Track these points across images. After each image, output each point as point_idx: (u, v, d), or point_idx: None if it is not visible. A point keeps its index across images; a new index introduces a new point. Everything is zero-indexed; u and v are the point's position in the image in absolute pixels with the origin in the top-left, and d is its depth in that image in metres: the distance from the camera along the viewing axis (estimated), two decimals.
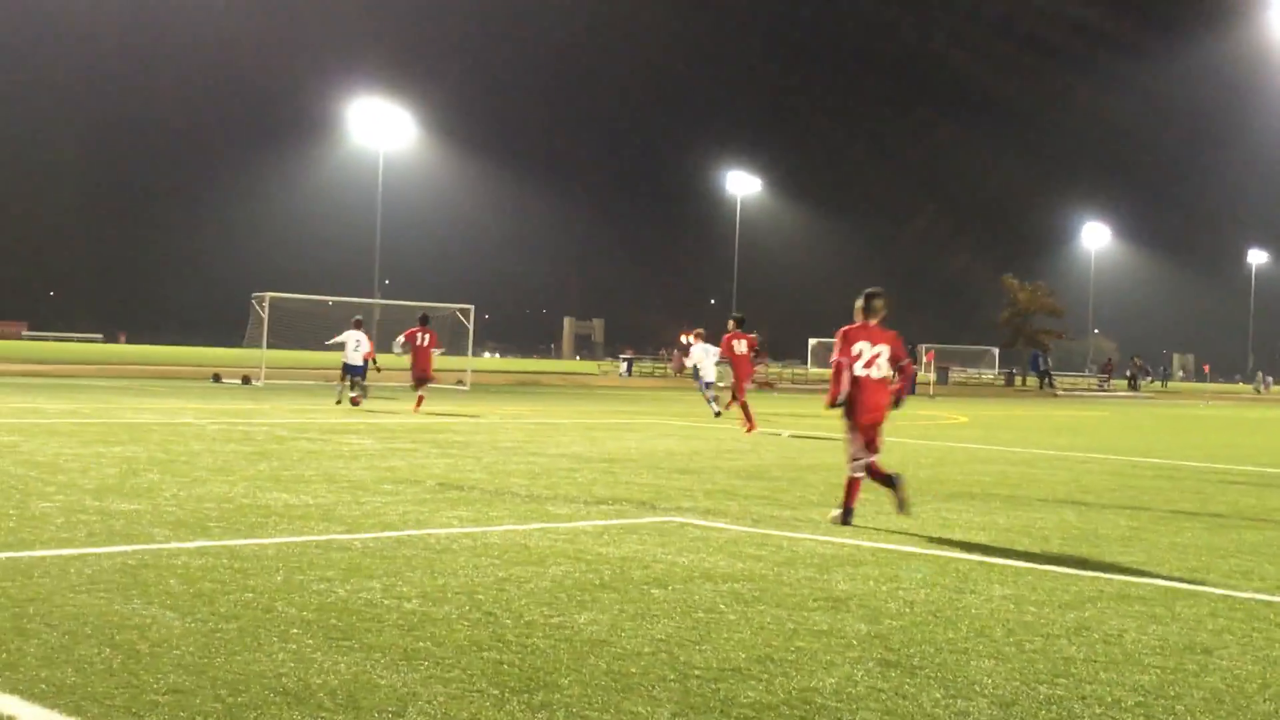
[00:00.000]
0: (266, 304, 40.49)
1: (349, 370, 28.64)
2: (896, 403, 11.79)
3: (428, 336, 28.18)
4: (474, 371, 47.05)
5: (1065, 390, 73.46)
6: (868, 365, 11.52)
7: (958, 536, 10.91)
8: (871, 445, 11.61)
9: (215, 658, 5.99)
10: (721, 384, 29.28)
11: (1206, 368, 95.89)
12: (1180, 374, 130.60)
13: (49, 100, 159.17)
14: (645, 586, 8.06)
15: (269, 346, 41.53)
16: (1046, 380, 75.55)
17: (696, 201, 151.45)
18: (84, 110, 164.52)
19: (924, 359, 73.98)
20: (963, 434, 26.88)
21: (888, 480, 11.55)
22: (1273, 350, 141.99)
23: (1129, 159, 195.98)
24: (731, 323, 25.61)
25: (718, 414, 27.78)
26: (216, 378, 40.39)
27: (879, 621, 7.30)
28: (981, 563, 9.53)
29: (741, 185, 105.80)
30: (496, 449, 17.98)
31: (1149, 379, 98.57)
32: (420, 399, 27.60)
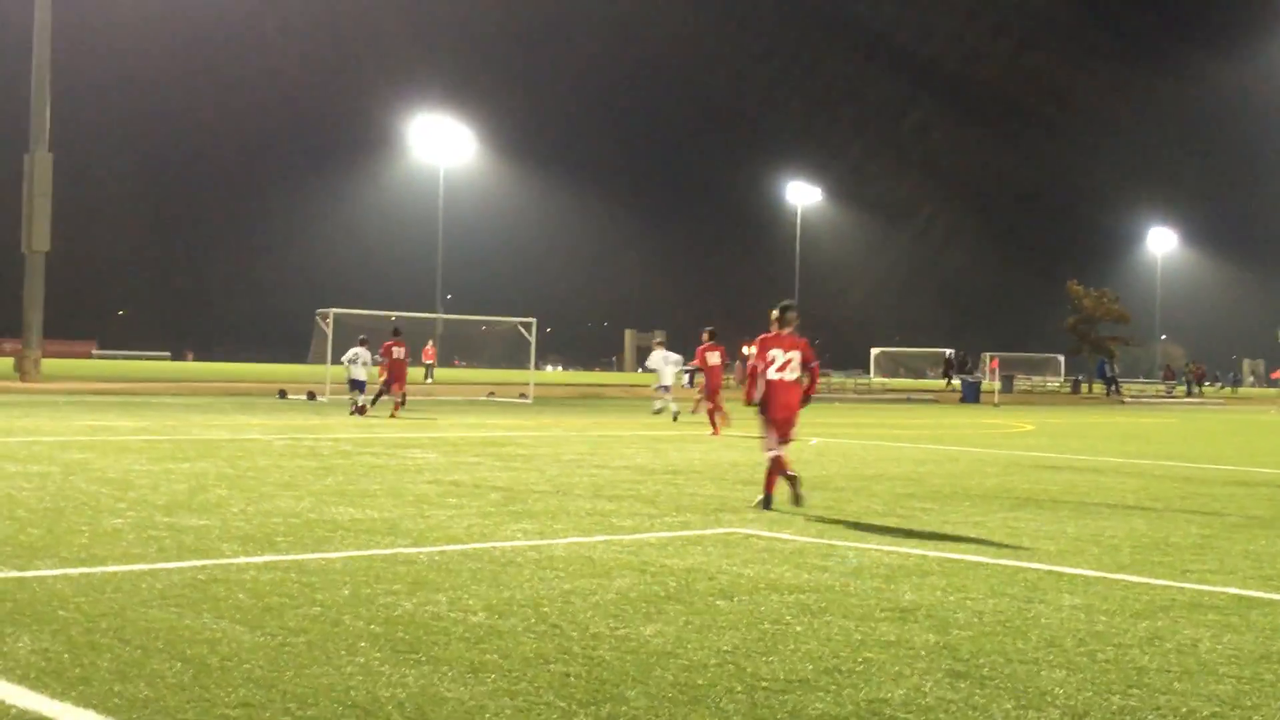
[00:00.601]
0: (330, 320, 40.82)
1: (354, 385, 31.06)
2: (805, 401, 13.35)
3: (403, 349, 31.51)
4: (537, 384, 47.23)
5: (1132, 397, 72.60)
6: (781, 369, 13.11)
7: (1026, 545, 10.79)
8: (784, 438, 13.06)
9: (284, 672, 6.03)
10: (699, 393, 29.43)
11: (1276, 374, 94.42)
12: (1250, 379, 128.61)
13: (114, 124, 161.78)
14: (711, 598, 8.04)
15: (333, 362, 41.87)
16: (1113, 387, 74.70)
17: (757, 212, 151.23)
18: (148, 133, 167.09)
19: (988, 366, 73.41)
20: (1029, 442, 26.62)
21: (789, 477, 12.99)
22: None
23: (1195, 162, 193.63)
24: (705, 335, 27.33)
25: (658, 409, 31.62)
26: (282, 394, 40.77)
27: (947, 632, 7.23)
28: (1051, 572, 9.42)
29: (802, 195, 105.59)
30: (560, 462, 18.02)
31: (1211, 384, 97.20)
32: (397, 406, 30.65)
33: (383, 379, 31.38)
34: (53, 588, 7.82)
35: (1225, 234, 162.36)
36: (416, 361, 44.13)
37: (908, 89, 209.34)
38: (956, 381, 74.80)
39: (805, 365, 13.21)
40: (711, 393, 26.55)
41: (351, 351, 31.54)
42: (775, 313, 13.29)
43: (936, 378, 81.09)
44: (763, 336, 13.29)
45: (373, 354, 31.61)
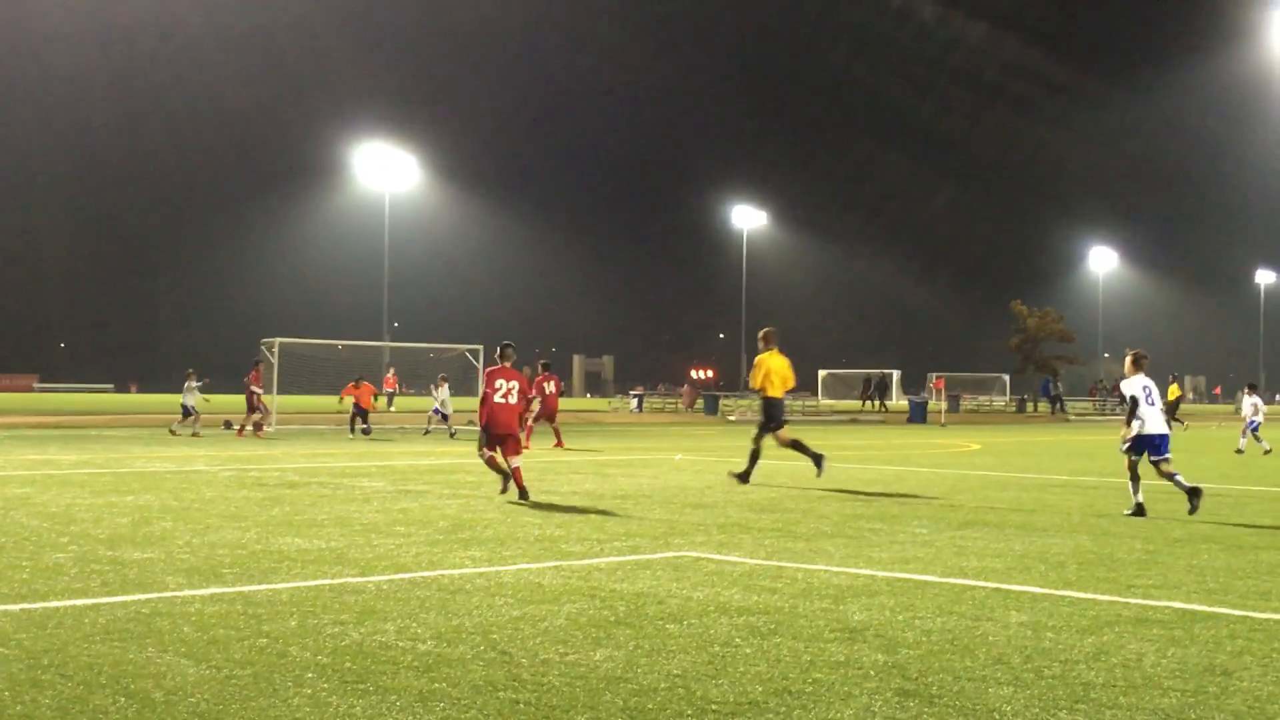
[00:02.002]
0: (276, 349, 40.51)
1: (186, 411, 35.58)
2: (521, 421, 17.41)
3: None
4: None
5: (1077, 415, 73.27)
6: (504, 395, 16.47)
7: (973, 564, 10.86)
8: (506, 450, 16.38)
9: (230, 704, 5.97)
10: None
11: (1217, 390, 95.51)
12: (1190, 395, 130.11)
13: (50, 151, 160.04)
14: (660, 622, 8.03)
15: (280, 392, 41.55)
16: (1058, 405, 75.33)
17: (703, 236, 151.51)
18: (86, 160, 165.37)
19: (934, 387, 73.87)
20: (976, 461, 26.80)
21: (507, 475, 16.34)
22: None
23: (1134, 182, 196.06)
24: (540, 366, 31.45)
25: (453, 434, 35.82)
26: (228, 424, 40.43)
27: (896, 651, 7.26)
28: (998, 589, 9.49)
29: (747, 219, 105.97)
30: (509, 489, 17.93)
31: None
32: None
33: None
34: None
35: (1164, 252, 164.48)
36: (462, 391, 45.27)
37: (850, 113, 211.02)
38: (874, 403, 75.23)
39: (523, 395, 16.90)
40: (550, 417, 30.70)
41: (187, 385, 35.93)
42: (498, 351, 17.02)
43: (855, 398, 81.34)
44: (489, 369, 16.84)
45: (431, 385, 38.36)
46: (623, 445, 32.08)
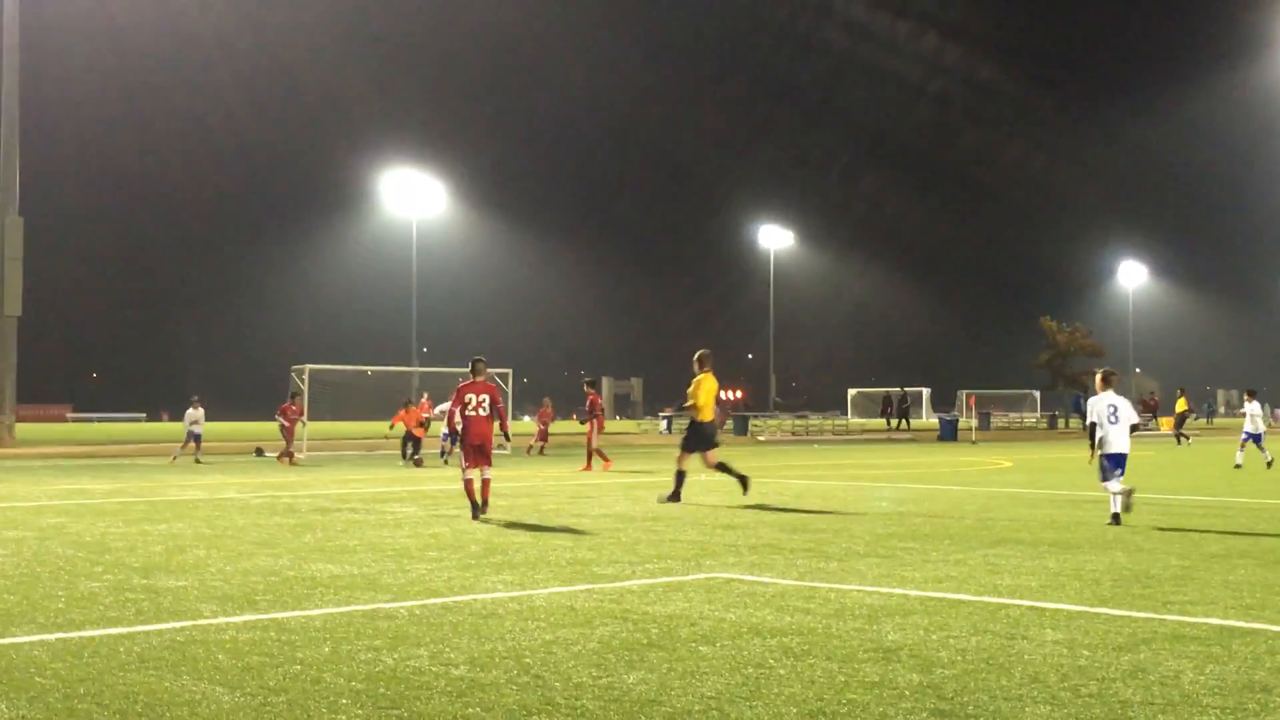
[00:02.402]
0: (306, 376, 40.69)
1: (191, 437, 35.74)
2: (503, 433, 18.33)
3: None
4: (516, 435, 47.11)
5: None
6: (475, 409, 17.23)
7: (1007, 582, 10.80)
8: (479, 461, 17.17)
9: None
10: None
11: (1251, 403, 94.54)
12: (1222, 410, 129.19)
13: (81, 185, 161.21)
14: (693, 644, 8.01)
15: (310, 419, 41.73)
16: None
17: (731, 257, 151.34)
18: (116, 194, 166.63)
19: (965, 404, 73.54)
20: (1007, 478, 26.67)
21: (476, 504, 16.92)
22: None
23: (1162, 195, 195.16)
24: (586, 385, 33.25)
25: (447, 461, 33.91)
26: (259, 451, 40.61)
27: (931, 671, 7.22)
28: (1033, 608, 9.43)
29: (774, 239, 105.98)
30: (539, 511, 17.97)
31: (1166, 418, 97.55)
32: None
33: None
34: (29, 654, 7.75)
35: (1195, 266, 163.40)
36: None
37: (876, 133, 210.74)
38: (896, 421, 74.69)
39: (494, 406, 17.32)
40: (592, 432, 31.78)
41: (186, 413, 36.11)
42: (469, 367, 17.82)
43: (876, 417, 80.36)
44: (461, 385, 17.50)
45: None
46: (653, 466, 32.03)
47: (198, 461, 34.94)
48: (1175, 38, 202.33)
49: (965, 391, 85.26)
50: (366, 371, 50.41)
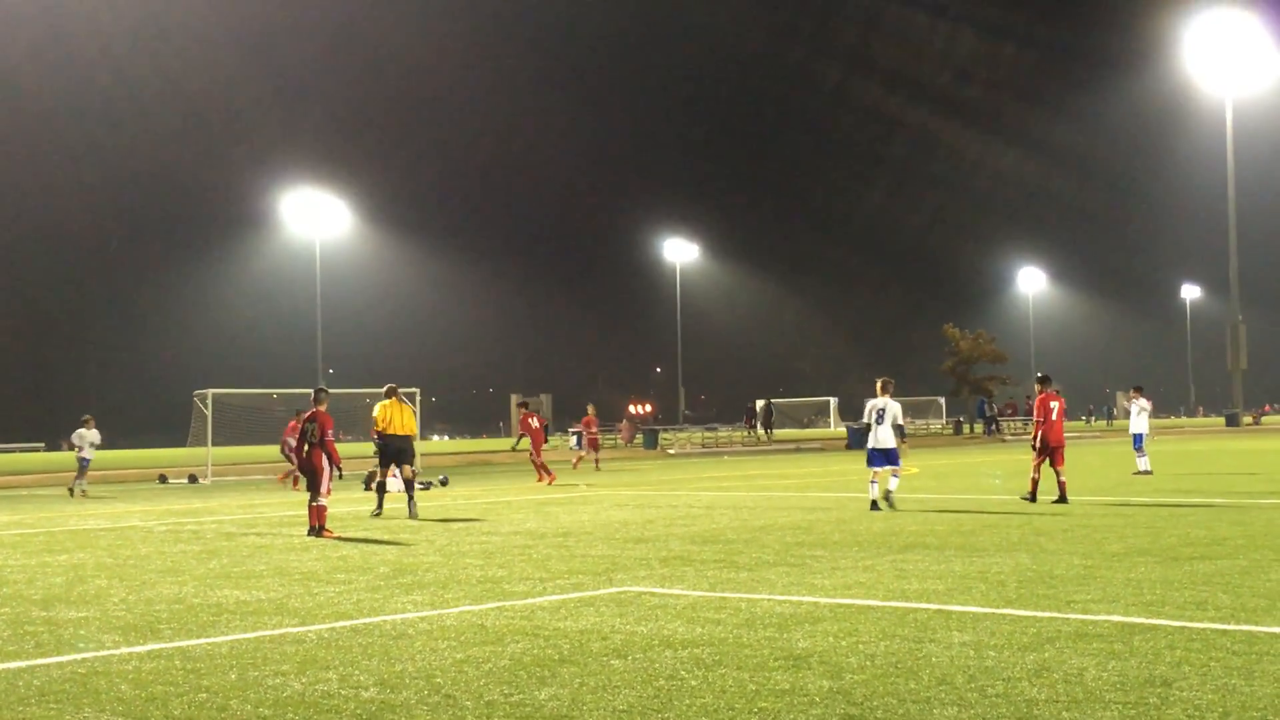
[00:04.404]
0: (210, 401, 40.09)
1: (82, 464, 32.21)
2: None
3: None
4: (424, 455, 46.79)
5: (1013, 435, 73.95)
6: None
7: (915, 586, 10.92)
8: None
9: None
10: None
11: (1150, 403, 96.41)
12: (1117, 414, 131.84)
13: None
14: (605, 658, 8.01)
15: (214, 444, 41.13)
16: (993, 426, 75.98)
17: (637, 271, 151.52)
18: (6, 214, 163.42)
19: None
20: (914, 484, 26.95)
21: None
22: (1210, 383, 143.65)
23: (1059, 202, 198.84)
24: (521, 407, 33.31)
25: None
26: (163, 478, 39.94)
27: (841, 677, 7.28)
28: (940, 611, 9.54)
29: (679, 252, 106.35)
30: (449, 530, 17.86)
31: (1086, 418, 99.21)
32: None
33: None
34: None
35: (1092, 271, 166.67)
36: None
37: (778, 144, 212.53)
38: (762, 432, 75.12)
39: (323, 435, 18.10)
40: (537, 449, 32.40)
41: (76, 433, 32.79)
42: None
43: (740, 428, 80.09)
44: (305, 414, 18.73)
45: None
46: (562, 482, 31.98)
47: (78, 492, 31.20)
48: (1072, 45, 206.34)
49: (870, 400, 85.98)
50: (272, 395, 49.74)
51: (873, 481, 19.37)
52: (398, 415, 21.59)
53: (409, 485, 21.29)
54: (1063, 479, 19.91)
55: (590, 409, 43.24)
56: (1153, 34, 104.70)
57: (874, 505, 19.13)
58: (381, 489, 21.35)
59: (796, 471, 35.58)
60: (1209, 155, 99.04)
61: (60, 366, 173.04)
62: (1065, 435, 20.41)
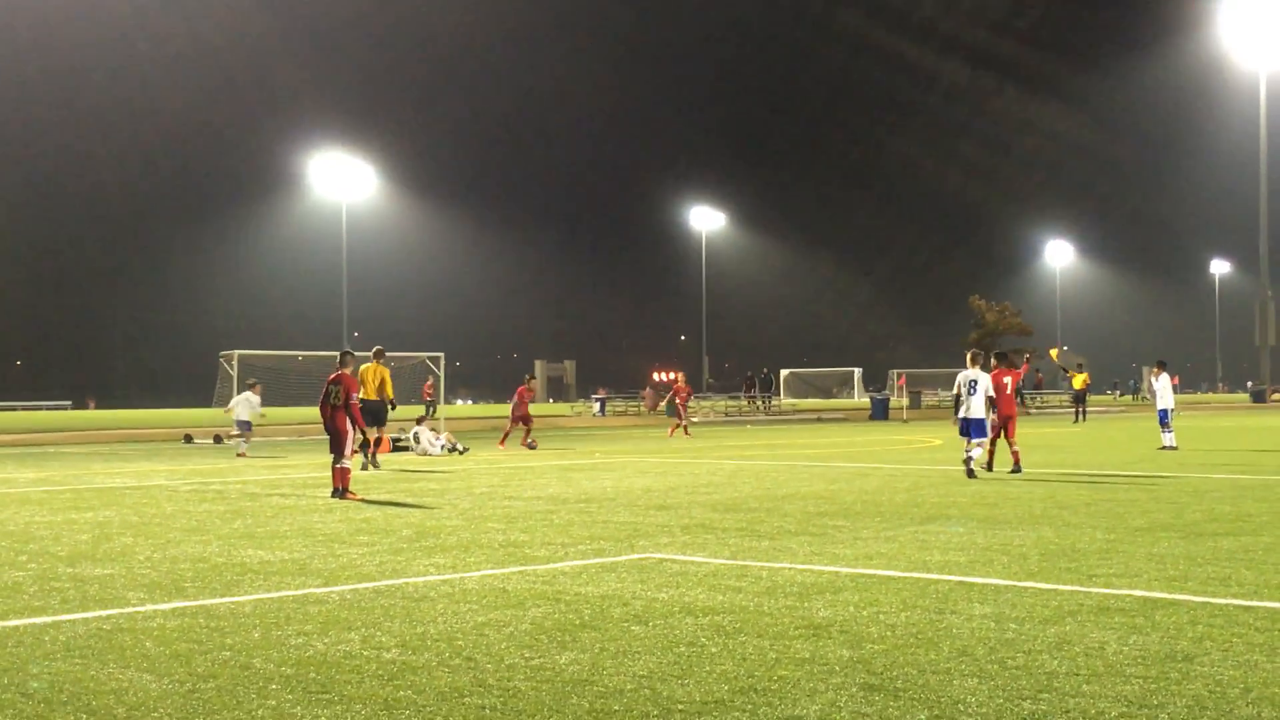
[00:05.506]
0: (235, 362, 40.23)
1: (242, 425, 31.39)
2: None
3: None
4: (447, 419, 46.93)
5: (1037, 409, 73.74)
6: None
7: (936, 558, 10.91)
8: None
9: (194, 718, 5.93)
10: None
11: (1175, 380, 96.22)
12: (1146, 388, 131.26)
13: (4, 168, 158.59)
14: (625, 624, 8.03)
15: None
16: (1019, 399, 75.81)
17: (663, 239, 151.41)
18: (40, 180, 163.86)
19: (896, 384, 74.11)
20: (937, 456, 26.93)
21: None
22: (1238, 359, 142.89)
23: (1088, 176, 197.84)
24: (527, 377, 35.23)
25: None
26: (188, 438, 40.16)
27: (861, 646, 7.28)
28: (961, 583, 9.53)
29: (706, 220, 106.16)
30: (471, 495, 17.92)
31: (1112, 392, 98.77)
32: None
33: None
34: None
35: (1120, 244, 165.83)
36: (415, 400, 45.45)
37: (807, 113, 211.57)
38: (755, 401, 74.68)
39: (347, 398, 18.30)
40: (521, 419, 33.02)
41: (243, 396, 31.80)
42: (341, 356, 19.15)
43: (742, 397, 79.12)
44: (342, 373, 18.44)
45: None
46: (586, 449, 32.04)
47: (239, 450, 30.58)
48: (1101, 22, 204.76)
49: (896, 371, 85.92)
50: (298, 356, 49.91)
51: (968, 451, 20.10)
52: (371, 379, 22.96)
53: (364, 447, 22.88)
54: (1015, 448, 21.34)
55: (680, 376, 43.72)
56: (1187, 6, 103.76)
57: (970, 474, 19.78)
58: (364, 445, 22.80)
59: (819, 441, 35.56)
60: (1241, 129, 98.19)
61: (88, 326, 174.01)
62: (1085, 408, 22.31)
